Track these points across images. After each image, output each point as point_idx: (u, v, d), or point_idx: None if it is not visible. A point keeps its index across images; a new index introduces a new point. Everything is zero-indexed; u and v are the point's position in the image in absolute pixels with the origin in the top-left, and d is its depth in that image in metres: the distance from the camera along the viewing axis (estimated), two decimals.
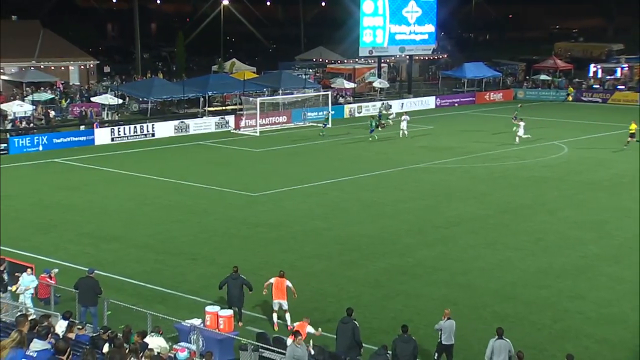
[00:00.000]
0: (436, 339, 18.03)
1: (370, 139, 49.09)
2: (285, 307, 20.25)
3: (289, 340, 17.58)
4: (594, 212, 32.21)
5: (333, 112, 56.61)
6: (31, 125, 50.21)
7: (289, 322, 19.80)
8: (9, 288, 20.58)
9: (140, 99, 58.12)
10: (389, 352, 16.42)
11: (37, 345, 10.50)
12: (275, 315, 20.35)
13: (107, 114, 56.16)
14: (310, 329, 18.18)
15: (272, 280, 20.41)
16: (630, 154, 43.99)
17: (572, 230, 29.47)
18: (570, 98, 71.83)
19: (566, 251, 26.90)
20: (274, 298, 20.28)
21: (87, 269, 20.68)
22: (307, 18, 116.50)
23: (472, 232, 29.09)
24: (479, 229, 29.44)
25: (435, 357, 17.94)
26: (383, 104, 61.28)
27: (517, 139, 47.31)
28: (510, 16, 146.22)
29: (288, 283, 20.27)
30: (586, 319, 21.10)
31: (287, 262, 24.86)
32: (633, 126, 46.60)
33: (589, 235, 28.88)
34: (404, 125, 50.33)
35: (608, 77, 77.88)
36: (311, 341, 16.90)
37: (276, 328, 20.06)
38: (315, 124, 54.64)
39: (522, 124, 47.96)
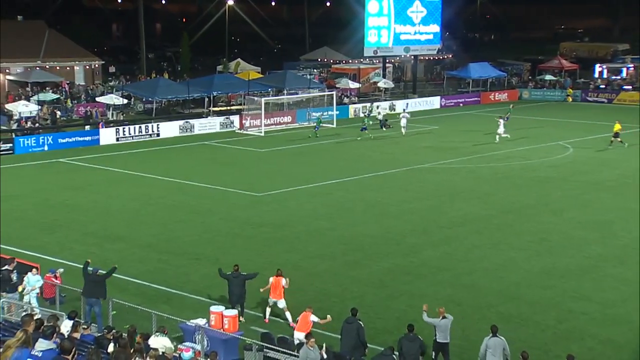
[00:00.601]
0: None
1: (372, 136, 49.13)
2: (282, 305, 20.41)
3: (296, 333, 17.70)
4: (599, 212, 32.16)
5: (337, 112, 56.62)
6: (36, 125, 50.34)
7: (290, 321, 19.97)
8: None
9: (145, 99, 58.18)
10: (395, 352, 16.44)
11: (42, 344, 10.53)
12: (268, 310, 20.63)
13: (112, 114, 56.29)
14: (314, 317, 18.28)
15: (271, 279, 20.58)
16: (635, 154, 43.84)
17: (577, 230, 29.44)
18: (570, 99, 71.23)
19: (570, 251, 26.87)
20: (270, 296, 20.54)
21: (91, 269, 20.73)
22: (312, 18, 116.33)
23: (476, 232, 29.09)
24: (483, 229, 29.44)
25: (433, 357, 17.92)
26: (372, 103, 61.58)
27: (506, 135, 47.84)
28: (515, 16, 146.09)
29: (283, 281, 20.42)
30: (591, 320, 21.08)
31: (290, 262, 24.90)
32: (617, 126, 46.51)
33: (594, 235, 28.84)
34: (403, 122, 50.65)
35: (613, 77, 77.54)
36: (324, 345, 16.91)
37: (266, 322, 20.42)
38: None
39: (501, 121, 48.24)
